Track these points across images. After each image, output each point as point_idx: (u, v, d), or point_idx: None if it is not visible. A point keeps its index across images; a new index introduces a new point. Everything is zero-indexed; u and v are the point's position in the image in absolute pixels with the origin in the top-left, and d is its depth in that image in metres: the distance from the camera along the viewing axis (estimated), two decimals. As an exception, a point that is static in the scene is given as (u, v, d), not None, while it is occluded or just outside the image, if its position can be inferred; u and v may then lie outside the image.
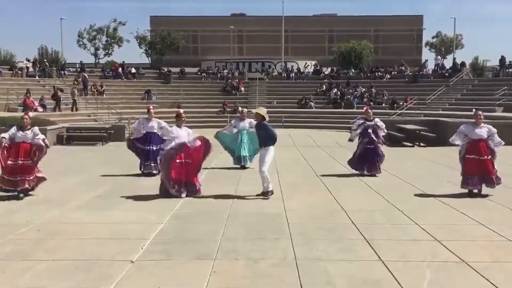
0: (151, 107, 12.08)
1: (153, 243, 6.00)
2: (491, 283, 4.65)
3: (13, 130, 8.69)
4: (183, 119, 9.14)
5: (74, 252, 5.63)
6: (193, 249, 5.73)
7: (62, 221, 7.10)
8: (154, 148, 10.90)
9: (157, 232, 6.45)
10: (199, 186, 8.91)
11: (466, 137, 8.85)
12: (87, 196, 8.90)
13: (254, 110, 9.44)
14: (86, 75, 35.46)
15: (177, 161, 8.67)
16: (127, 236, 6.31)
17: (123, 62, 42.54)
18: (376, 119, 11.56)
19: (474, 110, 9.78)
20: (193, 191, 8.75)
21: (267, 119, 8.86)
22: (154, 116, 11.58)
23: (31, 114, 10.13)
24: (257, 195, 8.68)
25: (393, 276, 4.83)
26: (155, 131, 11.09)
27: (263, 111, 8.96)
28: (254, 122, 11.79)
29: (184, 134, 8.90)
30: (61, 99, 29.37)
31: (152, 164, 10.99)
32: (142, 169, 11.18)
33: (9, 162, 8.51)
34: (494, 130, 8.90)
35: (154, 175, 10.80)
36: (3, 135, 8.64)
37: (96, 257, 5.45)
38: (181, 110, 9.36)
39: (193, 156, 8.88)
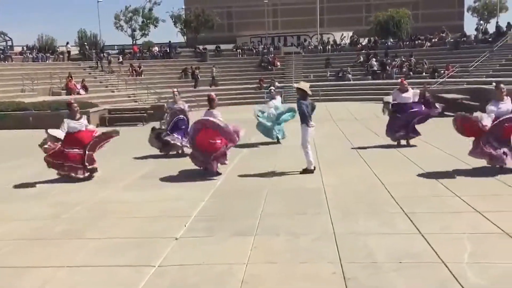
0: (176, 90, 12.17)
1: (195, 220, 6.22)
2: (533, 254, 4.62)
3: (66, 123, 8.91)
4: (216, 102, 9.14)
5: (122, 231, 5.92)
6: (234, 225, 5.92)
7: (111, 201, 7.46)
8: (176, 135, 11.14)
9: (199, 210, 6.67)
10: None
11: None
12: (132, 176, 9.24)
13: (295, 85, 9.41)
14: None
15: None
16: (171, 214, 6.56)
17: (170, 41, 43.52)
18: (411, 90, 11.51)
19: (494, 83, 8.77)
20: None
21: (310, 93, 8.80)
22: (181, 98, 11.75)
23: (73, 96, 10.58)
24: (301, 171, 8.78)
25: (433, 249, 4.85)
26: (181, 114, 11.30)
27: (303, 85, 8.86)
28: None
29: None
30: (199, 77, 33.95)
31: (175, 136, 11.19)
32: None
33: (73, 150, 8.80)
34: None
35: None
36: (54, 132, 8.83)
37: (143, 235, 5.71)
38: (214, 94, 9.37)
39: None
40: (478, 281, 4.10)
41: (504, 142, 8.06)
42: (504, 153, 8.00)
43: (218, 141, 8.57)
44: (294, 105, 9.93)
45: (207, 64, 38.28)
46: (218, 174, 8.78)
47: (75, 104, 9.27)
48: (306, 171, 8.71)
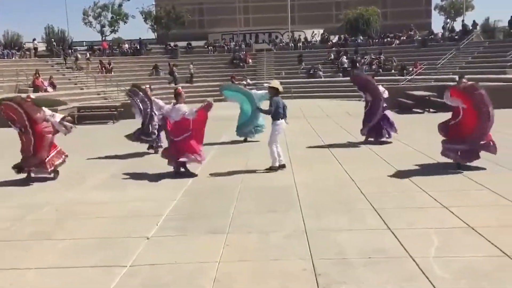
0: (148, 86, 12.10)
1: (167, 219, 6.19)
2: (497, 247, 4.78)
3: None
4: (183, 97, 8.96)
5: (91, 231, 5.85)
6: (206, 224, 5.92)
7: (79, 201, 7.33)
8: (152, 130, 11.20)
9: (170, 209, 6.63)
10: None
11: None
12: (102, 175, 9.11)
13: (266, 85, 9.53)
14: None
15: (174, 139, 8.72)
16: (142, 213, 6.51)
17: (140, 38, 43.04)
18: (381, 87, 11.77)
19: (458, 77, 9.17)
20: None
21: (281, 89, 8.86)
22: (153, 95, 11.77)
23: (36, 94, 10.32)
24: (265, 170, 8.82)
25: (401, 244, 4.97)
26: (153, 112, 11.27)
27: (274, 83, 9.00)
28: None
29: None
30: (177, 74, 33.42)
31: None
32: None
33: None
34: None
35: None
36: None
37: (113, 235, 5.66)
38: (180, 88, 9.29)
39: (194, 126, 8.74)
40: (443, 275, 4.23)
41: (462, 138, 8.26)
42: (466, 150, 8.22)
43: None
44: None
45: (178, 61, 37.95)
46: (194, 175, 8.70)
47: (28, 100, 8.97)
48: (271, 169, 8.78)
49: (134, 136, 11.43)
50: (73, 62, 33.92)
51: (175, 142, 8.69)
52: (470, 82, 8.09)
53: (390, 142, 11.46)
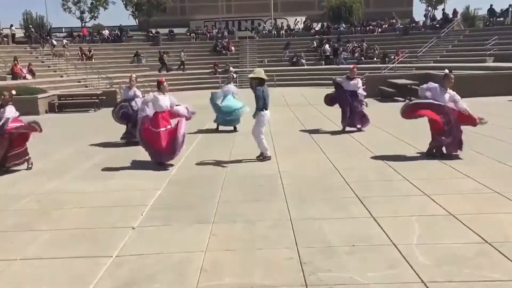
0: (134, 75, 11.97)
1: (152, 209, 6.19)
2: (477, 234, 4.90)
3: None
4: (165, 85, 8.81)
5: (76, 222, 5.82)
6: (191, 213, 5.93)
7: (62, 191, 7.27)
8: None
9: (155, 199, 6.63)
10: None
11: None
12: (84, 165, 9.04)
13: (250, 75, 9.46)
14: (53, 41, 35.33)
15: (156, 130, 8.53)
16: (127, 203, 6.49)
17: (120, 25, 42.45)
18: (357, 79, 11.84)
19: (446, 71, 8.65)
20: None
21: (266, 78, 8.77)
22: (136, 84, 11.65)
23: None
24: (257, 158, 8.83)
25: (384, 232, 5.06)
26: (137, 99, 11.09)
27: (258, 73, 8.85)
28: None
29: (167, 101, 8.70)
30: (167, 61, 33.32)
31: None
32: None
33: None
34: (458, 97, 8.31)
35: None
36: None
37: (98, 226, 5.64)
38: (163, 78, 9.20)
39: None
40: (425, 261, 4.33)
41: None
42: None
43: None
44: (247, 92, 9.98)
45: (160, 48, 37.55)
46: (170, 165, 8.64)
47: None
48: (265, 158, 8.80)
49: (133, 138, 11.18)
50: (51, 49, 33.30)
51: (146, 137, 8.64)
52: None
53: (363, 131, 11.56)
